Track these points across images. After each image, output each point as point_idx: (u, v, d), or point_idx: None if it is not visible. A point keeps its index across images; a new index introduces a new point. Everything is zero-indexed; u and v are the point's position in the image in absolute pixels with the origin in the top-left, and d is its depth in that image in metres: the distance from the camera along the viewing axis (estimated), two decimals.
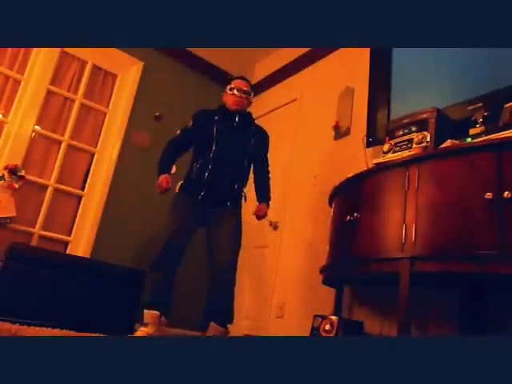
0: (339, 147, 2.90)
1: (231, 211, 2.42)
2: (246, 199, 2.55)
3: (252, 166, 2.58)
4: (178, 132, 2.55)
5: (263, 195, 2.54)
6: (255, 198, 2.55)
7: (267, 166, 2.63)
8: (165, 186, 2.35)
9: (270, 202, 2.56)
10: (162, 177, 2.37)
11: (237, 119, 2.49)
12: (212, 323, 2.26)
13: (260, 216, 2.48)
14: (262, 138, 2.61)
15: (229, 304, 2.31)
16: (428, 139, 1.74)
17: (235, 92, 2.49)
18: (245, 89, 2.52)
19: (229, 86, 2.53)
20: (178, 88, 3.76)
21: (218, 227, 2.38)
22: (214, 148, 2.41)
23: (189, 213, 2.38)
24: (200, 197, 2.37)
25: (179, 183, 2.48)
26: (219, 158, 2.40)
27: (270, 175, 2.62)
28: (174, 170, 3.30)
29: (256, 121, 2.70)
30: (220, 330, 2.26)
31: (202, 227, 2.45)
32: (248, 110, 2.62)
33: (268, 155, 2.65)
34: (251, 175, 2.62)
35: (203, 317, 2.32)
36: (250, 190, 2.61)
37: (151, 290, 2.27)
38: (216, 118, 2.49)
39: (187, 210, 2.38)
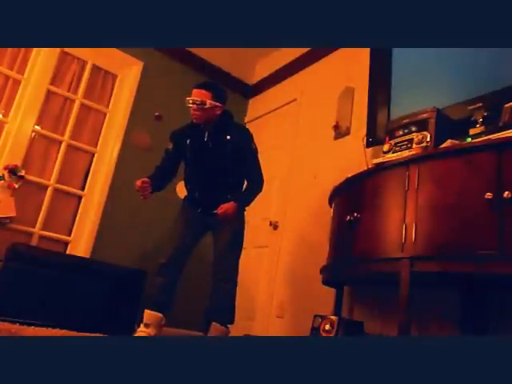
0: (339, 147, 2.90)
1: None
2: None
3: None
4: (163, 155, 2.52)
5: (242, 194, 2.43)
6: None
7: (254, 165, 2.45)
8: (139, 186, 2.30)
9: (246, 208, 2.45)
10: (138, 180, 2.32)
11: (206, 134, 2.37)
12: (213, 323, 2.27)
13: (219, 214, 2.26)
14: (242, 139, 2.41)
15: (230, 304, 2.32)
16: (428, 139, 1.74)
17: (190, 105, 2.31)
18: (199, 100, 2.29)
19: (187, 98, 2.33)
20: (178, 88, 3.74)
21: (221, 231, 2.41)
22: (194, 170, 2.44)
23: (190, 226, 2.41)
24: (199, 210, 2.44)
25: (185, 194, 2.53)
26: (202, 177, 2.42)
27: (260, 178, 2.45)
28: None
29: (256, 120, 2.68)
30: (221, 330, 2.26)
31: (208, 231, 2.49)
32: (216, 117, 2.35)
33: (254, 154, 2.47)
34: None
35: (204, 317, 2.34)
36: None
37: (154, 292, 2.30)
38: (187, 138, 2.40)
39: (189, 222, 2.42)
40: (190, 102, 2.31)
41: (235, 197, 2.36)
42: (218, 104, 2.34)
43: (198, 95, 2.32)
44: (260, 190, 2.46)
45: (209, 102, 2.30)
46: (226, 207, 2.27)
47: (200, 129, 2.39)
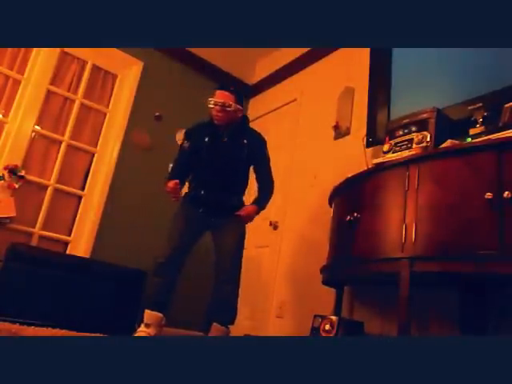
0: (339, 147, 2.90)
1: (235, 217, 2.41)
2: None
3: (254, 171, 2.56)
4: (178, 153, 2.53)
5: (259, 198, 2.48)
6: (255, 196, 2.54)
7: (268, 172, 2.53)
8: (171, 188, 2.27)
9: (262, 209, 2.47)
10: (167, 185, 2.31)
11: (225, 135, 2.40)
12: (214, 324, 2.27)
13: (243, 216, 2.35)
14: (257, 145, 2.48)
15: (231, 305, 2.32)
16: (428, 139, 1.74)
17: (214, 106, 2.35)
18: (223, 102, 2.32)
19: (209, 98, 2.37)
20: (178, 88, 3.75)
21: (222, 230, 2.41)
22: (205, 166, 2.41)
23: (190, 225, 2.39)
24: (201, 210, 2.41)
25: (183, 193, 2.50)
26: (213, 175, 2.41)
27: (272, 184, 2.52)
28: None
29: (256, 120, 2.69)
30: (222, 331, 2.27)
31: (207, 231, 2.48)
32: (238, 117, 2.43)
33: (267, 161, 2.54)
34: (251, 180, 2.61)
35: (206, 318, 2.34)
36: (250, 186, 2.61)
37: (153, 292, 2.30)
38: (206, 136, 2.41)
39: (189, 221, 2.40)
40: (213, 102, 2.34)
41: (257, 200, 2.44)
42: (239, 107, 2.40)
43: (222, 97, 2.35)
44: (272, 195, 2.53)
45: (234, 105, 2.35)
46: (249, 210, 2.38)
47: (218, 129, 2.41)
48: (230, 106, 2.33)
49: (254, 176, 2.56)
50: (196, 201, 2.42)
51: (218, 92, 2.38)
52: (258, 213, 2.44)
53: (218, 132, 2.41)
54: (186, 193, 2.51)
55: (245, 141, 2.42)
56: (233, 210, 2.39)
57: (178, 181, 2.30)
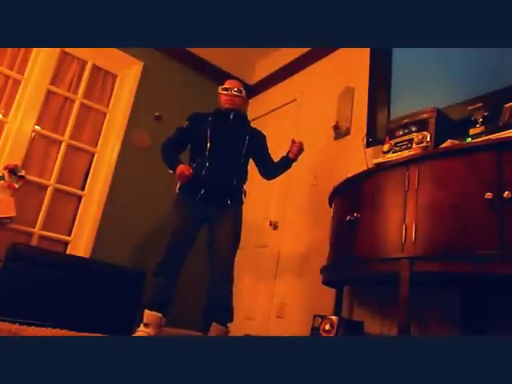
0: (339, 147, 2.90)
1: (231, 209, 2.42)
2: (245, 195, 2.54)
3: (258, 167, 2.63)
4: (173, 131, 2.56)
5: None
6: (255, 197, 2.54)
7: (271, 157, 2.63)
8: (187, 173, 2.30)
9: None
10: (180, 167, 2.33)
11: (231, 117, 2.52)
12: (214, 324, 2.27)
13: (298, 146, 2.42)
14: (259, 137, 2.63)
15: (228, 302, 2.32)
16: (428, 139, 1.74)
17: (227, 91, 2.55)
18: (237, 88, 2.56)
19: (221, 86, 2.60)
20: (178, 88, 3.75)
21: (218, 226, 2.40)
22: (209, 147, 2.43)
23: (189, 216, 2.38)
24: (200, 195, 2.38)
25: (178, 183, 2.48)
26: (215, 156, 2.42)
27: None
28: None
29: (256, 120, 2.71)
30: (222, 330, 2.27)
31: (204, 225, 2.46)
32: (245, 111, 2.66)
33: (268, 151, 2.65)
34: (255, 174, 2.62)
35: (203, 316, 2.34)
36: (250, 187, 2.61)
37: (153, 292, 2.29)
38: (210, 119, 2.52)
39: (188, 212, 2.39)
40: (228, 88, 2.56)
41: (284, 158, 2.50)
42: (246, 97, 2.68)
43: (235, 85, 2.61)
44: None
45: (244, 92, 2.62)
46: (300, 143, 2.44)
47: (223, 115, 2.55)
48: (241, 91, 2.58)
49: (258, 168, 2.63)
50: (196, 183, 2.38)
51: (230, 81, 2.67)
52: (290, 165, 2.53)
53: (223, 117, 2.54)
54: (181, 184, 2.45)
55: (247, 128, 2.61)
56: (230, 197, 2.41)
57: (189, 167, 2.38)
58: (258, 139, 2.62)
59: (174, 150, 2.52)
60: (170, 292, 2.32)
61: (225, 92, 2.55)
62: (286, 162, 2.50)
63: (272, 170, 2.60)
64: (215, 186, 2.39)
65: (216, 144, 2.44)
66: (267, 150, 2.64)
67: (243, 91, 2.60)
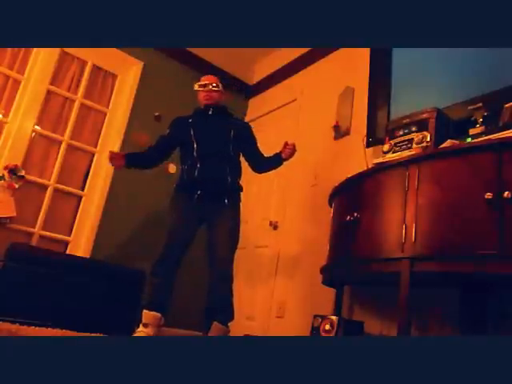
0: (339, 147, 2.90)
1: (229, 209, 2.42)
2: (242, 189, 2.54)
3: (248, 160, 2.63)
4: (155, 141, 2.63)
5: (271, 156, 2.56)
6: (255, 197, 2.54)
7: (259, 149, 2.63)
8: (110, 156, 2.40)
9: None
10: (114, 152, 2.47)
11: (210, 112, 2.53)
12: (214, 323, 2.27)
13: (290, 147, 2.44)
14: (244, 127, 2.64)
15: (228, 301, 2.32)
16: (428, 139, 1.74)
17: (205, 87, 2.55)
18: (214, 83, 2.55)
19: (198, 83, 2.59)
20: (178, 88, 3.75)
21: (216, 225, 2.40)
22: (195, 147, 2.45)
23: (186, 217, 2.38)
24: (196, 196, 2.39)
25: (174, 185, 2.50)
26: (203, 155, 2.43)
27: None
28: (173, 169, 3.31)
29: (256, 120, 2.71)
30: (222, 330, 2.27)
31: (203, 225, 2.46)
32: (225, 104, 2.64)
33: (255, 141, 2.65)
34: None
35: (205, 316, 2.34)
36: (250, 187, 2.61)
37: (151, 292, 2.30)
38: (191, 120, 2.55)
39: (184, 212, 2.39)
40: (204, 84, 2.55)
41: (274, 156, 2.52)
42: (223, 90, 2.61)
43: (210, 79, 2.59)
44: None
45: (220, 85, 2.58)
46: (292, 143, 2.46)
47: (205, 111, 2.55)
48: (217, 85, 2.56)
49: (248, 161, 2.63)
50: (191, 185, 2.40)
51: (205, 77, 2.64)
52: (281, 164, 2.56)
53: (203, 114, 2.55)
54: (176, 185, 2.50)
55: (230, 121, 2.59)
56: (226, 194, 2.41)
57: (119, 153, 2.55)
58: (244, 129, 2.61)
59: (150, 153, 2.59)
60: (168, 292, 2.32)
61: (202, 88, 2.56)
62: (278, 160, 2.51)
63: (263, 163, 2.60)
64: (210, 185, 2.40)
65: (202, 143, 2.46)
66: (254, 140, 2.64)
67: (220, 85, 2.57)
